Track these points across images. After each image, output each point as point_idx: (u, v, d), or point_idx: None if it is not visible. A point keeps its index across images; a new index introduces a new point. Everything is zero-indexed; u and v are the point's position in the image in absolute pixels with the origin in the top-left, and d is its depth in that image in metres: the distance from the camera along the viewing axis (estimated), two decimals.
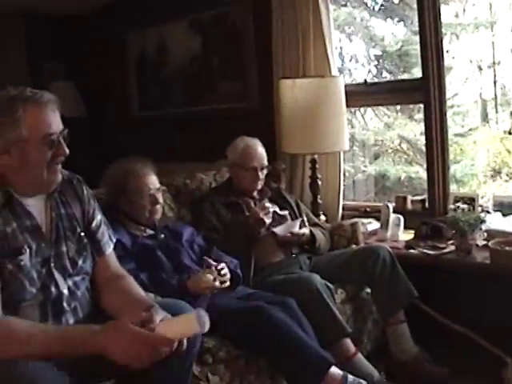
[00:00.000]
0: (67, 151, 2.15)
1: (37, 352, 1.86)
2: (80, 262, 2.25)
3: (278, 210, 3.62)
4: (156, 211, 3.20)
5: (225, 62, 5.27)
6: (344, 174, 4.45)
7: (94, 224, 2.36)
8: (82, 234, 2.30)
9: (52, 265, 2.14)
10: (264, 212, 3.42)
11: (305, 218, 3.68)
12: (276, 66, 4.51)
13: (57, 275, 2.15)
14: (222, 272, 3.00)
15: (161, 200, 3.23)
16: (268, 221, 3.42)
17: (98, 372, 2.11)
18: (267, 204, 3.52)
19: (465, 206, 3.79)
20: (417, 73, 4.49)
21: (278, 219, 3.56)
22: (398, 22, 4.88)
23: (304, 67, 4.33)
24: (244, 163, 3.65)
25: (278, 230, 3.51)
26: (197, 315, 1.90)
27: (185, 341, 1.99)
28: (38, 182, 2.13)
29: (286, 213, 3.64)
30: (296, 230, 3.54)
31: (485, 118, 4.97)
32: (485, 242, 3.50)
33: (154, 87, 5.99)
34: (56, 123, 2.12)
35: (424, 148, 4.26)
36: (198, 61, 5.48)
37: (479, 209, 3.86)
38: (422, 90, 4.02)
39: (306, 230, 3.59)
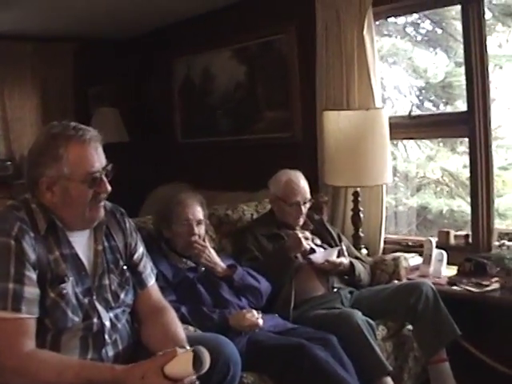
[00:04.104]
0: (109, 188, 2.16)
1: None
2: (122, 296, 2.26)
3: (318, 241, 3.61)
4: (192, 243, 3.17)
5: (269, 91, 5.28)
6: (385, 206, 4.41)
7: (135, 256, 2.38)
8: (125, 267, 2.31)
9: (94, 297, 2.15)
10: (303, 235, 3.40)
11: (344, 247, 3.63)
12: (320, 96, 4.50)
13: (99, 307, 2.16)
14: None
15: (199, 232, 3.20)
16: (306, 245, 3.40)
17: None
18: (307, 232, 3.50)
19: (510, 243, 3.69)
20: (460, 105, 4.43)
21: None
22: (442, 52, 4.84)
23: (348, 98, 4.30)
24: (287, 198, 3.63)
25: (315, 257, 3.47)
26: (196, 353, 1.87)
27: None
28: (80, 218, 2.14)
29: (324, 245, 3.63)
30: (333, 258, 3.51)
31: None
32: None
33: (197, 114, 6.03)
34: (99, 161, 2.13)
35: (466, 181, 4.19)
36: (243, 89, 5.51)
37: None
38: (467, 124, 3.94)
39: (343, 260, 3.55)
